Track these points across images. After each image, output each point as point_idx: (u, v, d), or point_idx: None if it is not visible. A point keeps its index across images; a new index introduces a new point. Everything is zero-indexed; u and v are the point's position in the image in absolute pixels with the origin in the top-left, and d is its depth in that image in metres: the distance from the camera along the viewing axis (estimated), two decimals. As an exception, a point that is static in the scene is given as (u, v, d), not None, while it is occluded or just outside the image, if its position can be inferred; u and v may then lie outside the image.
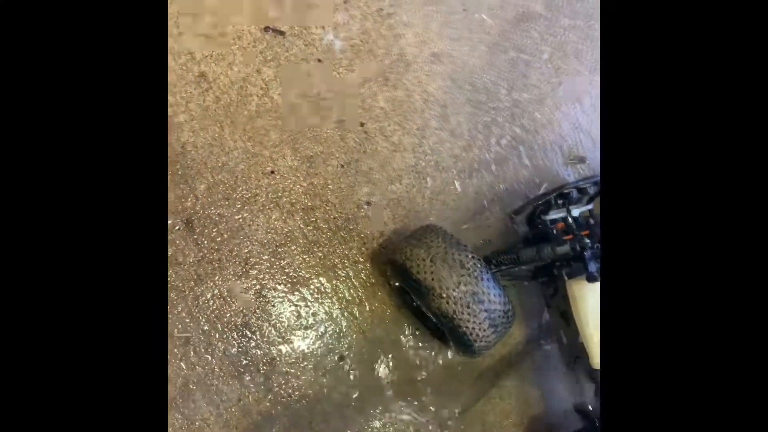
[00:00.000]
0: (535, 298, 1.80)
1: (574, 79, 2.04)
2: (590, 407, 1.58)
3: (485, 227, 1.86)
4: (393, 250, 1.59)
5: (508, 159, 1.93)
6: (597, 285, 1.50)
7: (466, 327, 1.45)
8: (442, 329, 1.56)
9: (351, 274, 1.73)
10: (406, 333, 1.75)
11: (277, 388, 1.62)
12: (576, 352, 1.58)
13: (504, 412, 1.78)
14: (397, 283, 1.64)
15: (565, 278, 1.57)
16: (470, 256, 1.48)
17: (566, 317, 1.60)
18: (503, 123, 1.95)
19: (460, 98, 1.91)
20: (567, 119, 2.01)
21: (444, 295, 1.44)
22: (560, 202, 1.60)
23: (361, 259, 1.75)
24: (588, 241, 1.53)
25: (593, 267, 1.49)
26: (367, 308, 1.74)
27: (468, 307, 1.44)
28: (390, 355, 1.73)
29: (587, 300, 1.52)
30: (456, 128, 1.90)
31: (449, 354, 1.76)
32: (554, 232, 1.62)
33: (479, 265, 1.47)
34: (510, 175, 1.92)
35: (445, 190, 1.86)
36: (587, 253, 1.52)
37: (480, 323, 1.45)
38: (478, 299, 1.44)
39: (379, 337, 1.74)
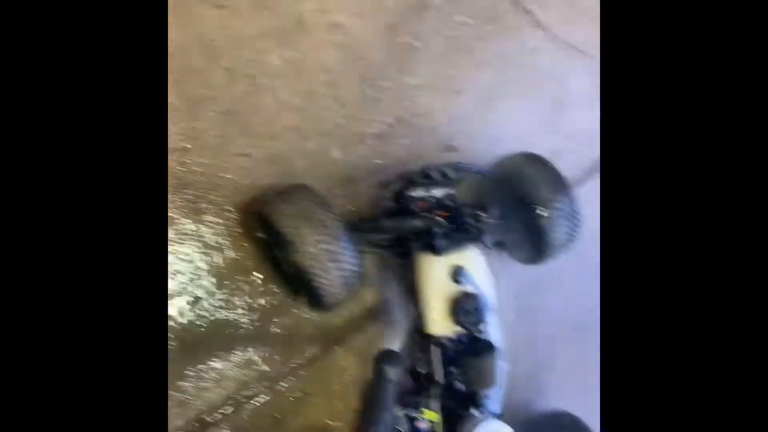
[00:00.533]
0: (389, 267, 1.93)
1: (460, 73, 2.18)
2: (421, 371, 1.73)
3: (355, 196, 1.96)
4: (261, 202, 1.65)
5: (387, 136, 2.04)
6: (441, 259, 1.66)
7: (318, 281, 1.55)
8: (297, 283, 1.65)
9: (218, 221, 1.77)
10: (264, 284, 1.83)
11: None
12: (417, 320, 1.73)
13: (345, 368, 1.90)
14: (260, 235, 1.71)
15: (417, 252, 1.71)
16: (333, 218, 1.57)
17: (413, 287, 1.74)
18: (388, 102, 2.05)
19: (351, 71, 1.99)
20: (446, 109, 2.15)
21: (302, 251, 1.52)
22: (424, 181, 1.74)
23: (230, 208, 1.79)
24: (443, 219, 1.68)
25: (441, 243, 1.65)
26: (230, 256, 1.79)
27: (322, 264, 1.53)
28: (244, 303, 1.80)
29: (432, 273, 1.67)
30: (343, 99, 1.97)
31: (301, 308, 1.85)
32: (415, 208, 1.76)
33: (340, 227, 1.57)
34: (387, 151, 2.04)
35: (323, 156, 1.94)
36: (438, 230, 1.67)
37: (332, 280, 1.56)
38: (333, 258, 1.54)
39: (236, 285, 1.79)
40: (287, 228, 1.54)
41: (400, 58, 2.08)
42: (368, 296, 1.98)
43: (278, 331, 1.86)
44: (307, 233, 1.53)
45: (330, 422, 1.96)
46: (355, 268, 1.60)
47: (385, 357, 1.64)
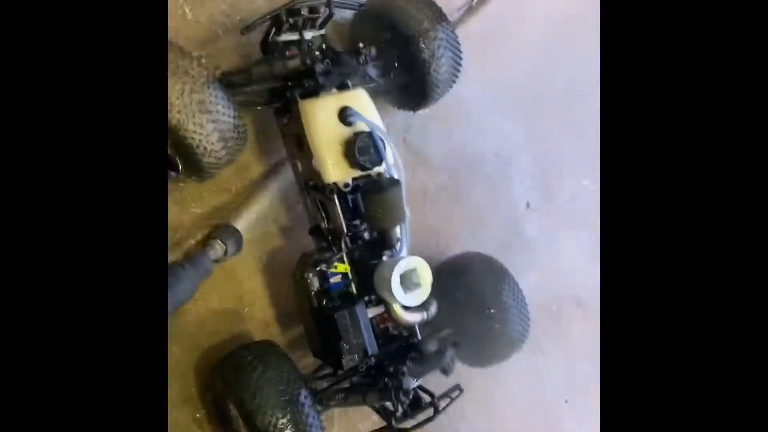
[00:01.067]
0: (272, 131, 1.76)
1: None
2: (324, 226, 1.62)
3: (218, 56, 1.75)
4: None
5: (242, -12, 1.82)
6: (327, 103, 1.52)
7: (192, 138, 1.37)
8: (172, 151, 1.45)
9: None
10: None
11: None
12: (310, 175, 1.60)
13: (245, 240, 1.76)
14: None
15: (298, 99, 1.55)
16: (195, 64, 1.38)
17: (300, 142, 1.59)
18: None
19: None
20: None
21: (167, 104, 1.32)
22: (292, 21, 1.56)
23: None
24: (318, 53, 1.53)
25: (324, 79, 1.51)
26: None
27: (194, 116, 1.35)
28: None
29: (320, 118, 1.53)
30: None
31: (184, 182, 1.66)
32: (287, 52, 1.59)
33: (206, 73, 1.38)
34: (245, 5, 1.82)
35: (175, 15, 1.70)
36: (318, 67, 1.53)
37: (208, 135, 1.38)
38: (205, 108, 1.36)
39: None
40: (143, 82, 1.32)
41: None
42: (254, 165, 1.81)
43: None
44: (168, 84, 1.32)
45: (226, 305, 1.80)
46: (232, 120, 1.43)
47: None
